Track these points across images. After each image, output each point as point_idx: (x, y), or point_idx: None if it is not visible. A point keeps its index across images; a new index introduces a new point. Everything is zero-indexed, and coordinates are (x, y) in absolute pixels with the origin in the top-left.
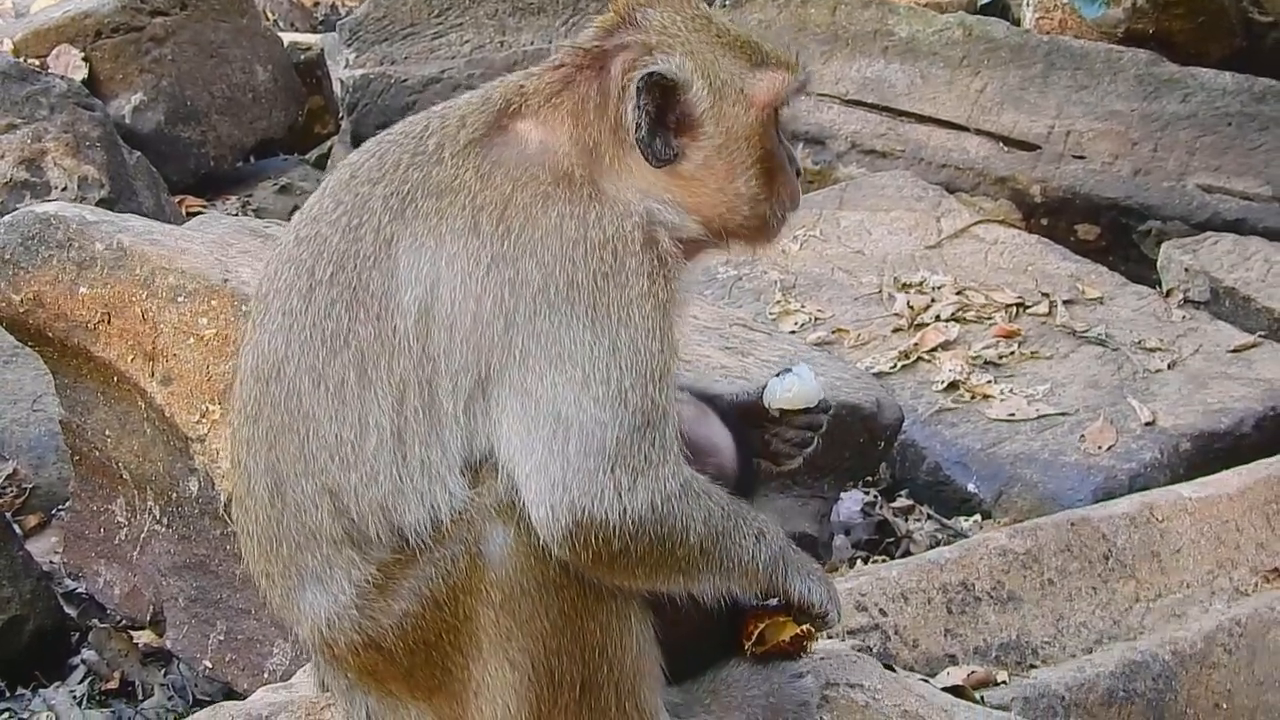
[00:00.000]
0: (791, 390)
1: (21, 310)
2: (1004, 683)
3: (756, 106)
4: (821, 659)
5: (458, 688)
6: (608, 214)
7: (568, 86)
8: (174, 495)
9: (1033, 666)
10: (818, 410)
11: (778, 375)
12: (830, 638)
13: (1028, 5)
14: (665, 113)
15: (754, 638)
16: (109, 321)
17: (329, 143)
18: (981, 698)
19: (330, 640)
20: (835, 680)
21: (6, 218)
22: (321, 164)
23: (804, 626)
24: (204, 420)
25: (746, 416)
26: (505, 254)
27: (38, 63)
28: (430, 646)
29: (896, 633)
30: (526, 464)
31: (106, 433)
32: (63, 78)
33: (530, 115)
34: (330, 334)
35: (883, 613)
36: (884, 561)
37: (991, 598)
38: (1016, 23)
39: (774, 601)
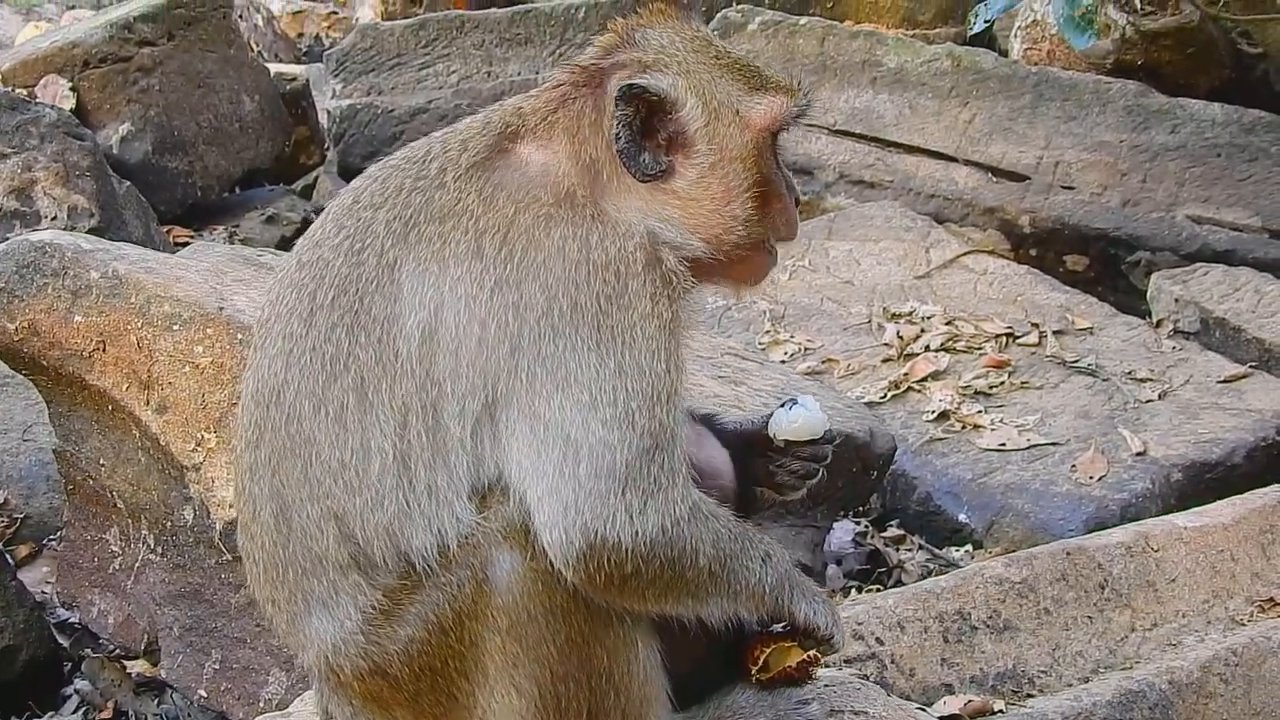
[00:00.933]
0: (798, 421)
1: (16, 339)
2: (1001, 712)
3: (753, 129)
4: (826, 686)
5: (463, 714)
6: (610, 235)
7: (564, 105)
8: (168, 524)
9: (1029, 696)
10: (823, 441)
11: (783, 406)
12: (827, 666)
13: (1015, 36)
14: (654, 128)
15: (759, 664)
16: (104, 350)
17: (315, 173)
18: None
19: (336, 666)
20: (840, 707)
21: (1, 246)
22: (308, 194)
23: (809, 652)
24: (199, 448)
25: (750, 445)
26: (509, 277)
27: (25, 93)
28: (436, 673)
29: (893, 661)
30: (538, 487)
31: (101, 461)
32: (53, 107)
33: (530, 137)
34: (330, 358)
35: (879, 641)
36: (878, 591)
37: (988, 626)
38: (1004, 54)
39: (778, 627)
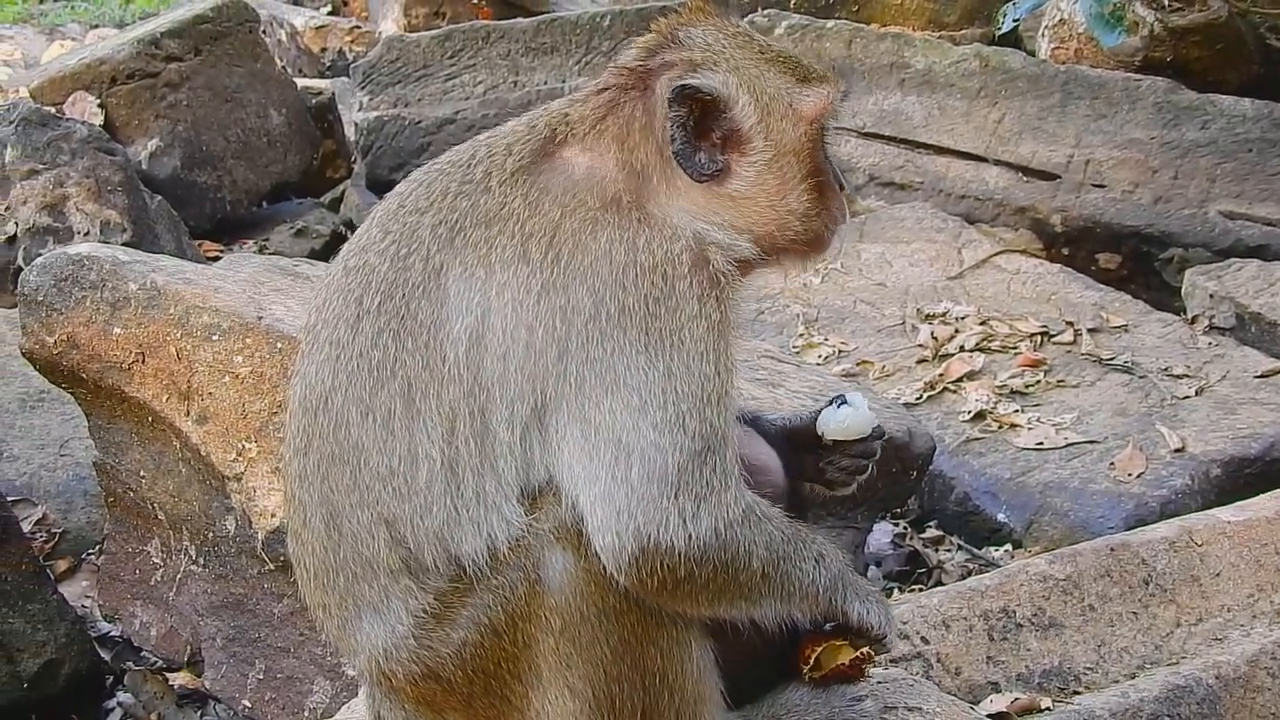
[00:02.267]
0: (846, 421)
1: (55, 352)
2: (1048, 709)
3: (805, 121)
4: (879, 683)
5: (517, 717)
6: (656, 237)
7: (613, 109)
8: (210, 535)
9: (1076, 693)
10: (872, 438)
11: (830, 404)
12: (876, 665)
13: (1043, 36)
14: (708, 128)
15: (811, 662)
16: (143, 361)
17: (342, 186)
18: None
19: (389, 671)
20: (894, 704)
21: (39, 260)
22: (335, 207)
23: (863, 649)
24: (240, 458)
25: (799, 442)
26: (555, 281)
27: (54, 110)
28: (489, 675)
29: (939, 660)
30: (590, 491)
31: (141, 473)
32: (83, 122)
33: (576, 142)
34: (377, 364)
35: (924, 640)
36: (919, 591)
37: (1033, 624)
38: (1032, 54)
39: (830, 625)
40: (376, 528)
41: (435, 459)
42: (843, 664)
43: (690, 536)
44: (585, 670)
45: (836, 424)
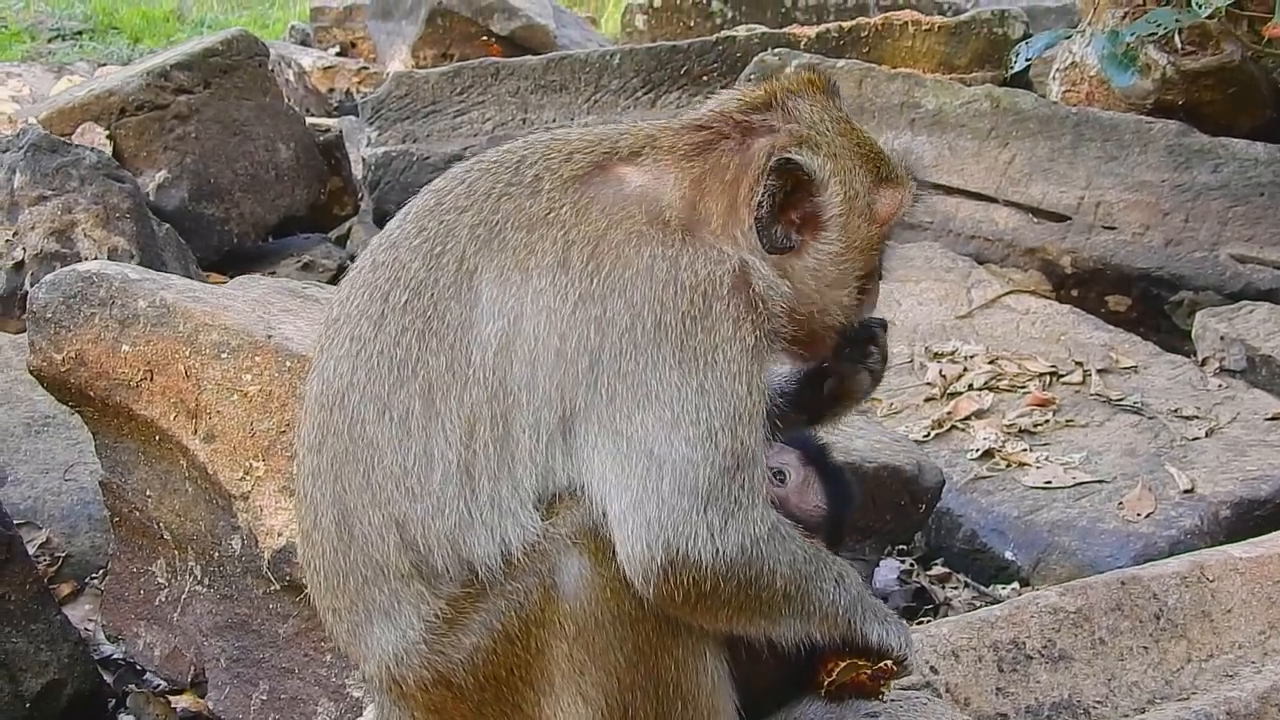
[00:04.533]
0: None
1: (63, 369)
2: None
3: (878, 223)
4: (893, 701)
5: None
6: (700, 258)
7: (707, 150)
8: (215, 555)
9: None
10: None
11: None
12: (894, 684)
13: (1054, 79)
14: (792, 205)
15: (832, 676)
16: (151, 379)
17: (349, 223)
18: None
19: (399, 677)
20: None
21: (48, 277)
22: (342, 243)
23: (883, 662)
24: (247, 477)
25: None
26: (594, 292)
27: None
28: (501, 682)
29: (948, 690)
30: (621, 501)
31: (147, 492)
32: (92, 149)
33: (645, 163)
34: (399, 362)
35: (934, 670)
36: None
37: (1043, 656)
38: (1043, 97)
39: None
40: (388, 530)
41: (451, 461)
42: (863, 678)
43: (718, 551)
44: (598, 678)
45: None
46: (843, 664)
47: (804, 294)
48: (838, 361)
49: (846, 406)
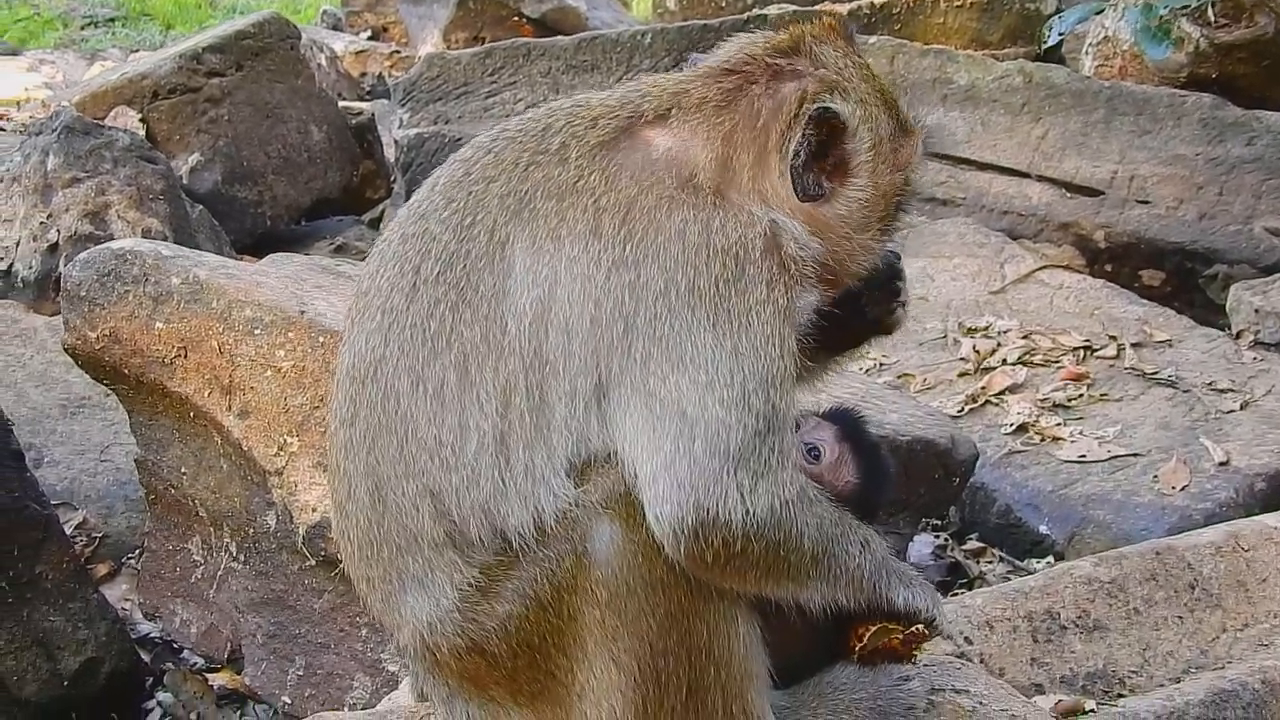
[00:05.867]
0: None
1: (98, 347)
2: (1092, 712)
3: (900, 169)
4: (926, 665)
5: (562, 691)
6: (731, 220)
7: (737, 97)
8: (251, 531)
9: (1120, 695)
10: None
11: None
12: (926, 647)
13: (1087, 54)
14: (824, 152)
15: (864, 640)
16: (185, 356)
17: (381, 206)
18: None
19: (432, 645)
20: (941, 686)
21: (82, 255)
22: (376, 225)
23: (915, 628)
24: (281, 453)
25: (837, 304)
26: (627, 258)
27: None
28: (534, 649)
29: (982, 661)
30: (653, 462)
31: (182, 469)
32: (126, 131)
33: (670, 122)
34: (433, 334)
35: (968, 641)
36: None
37: (1078, 626)
38: (1076, 71)
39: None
40: (422, 500)
41: (486, 431)
42: (895, 642)
43: (747, 512)
44: (631, 644)
45: None
46: (874, 628)
47: (831, 242)
48: (871, 306)
49: (877, 340)
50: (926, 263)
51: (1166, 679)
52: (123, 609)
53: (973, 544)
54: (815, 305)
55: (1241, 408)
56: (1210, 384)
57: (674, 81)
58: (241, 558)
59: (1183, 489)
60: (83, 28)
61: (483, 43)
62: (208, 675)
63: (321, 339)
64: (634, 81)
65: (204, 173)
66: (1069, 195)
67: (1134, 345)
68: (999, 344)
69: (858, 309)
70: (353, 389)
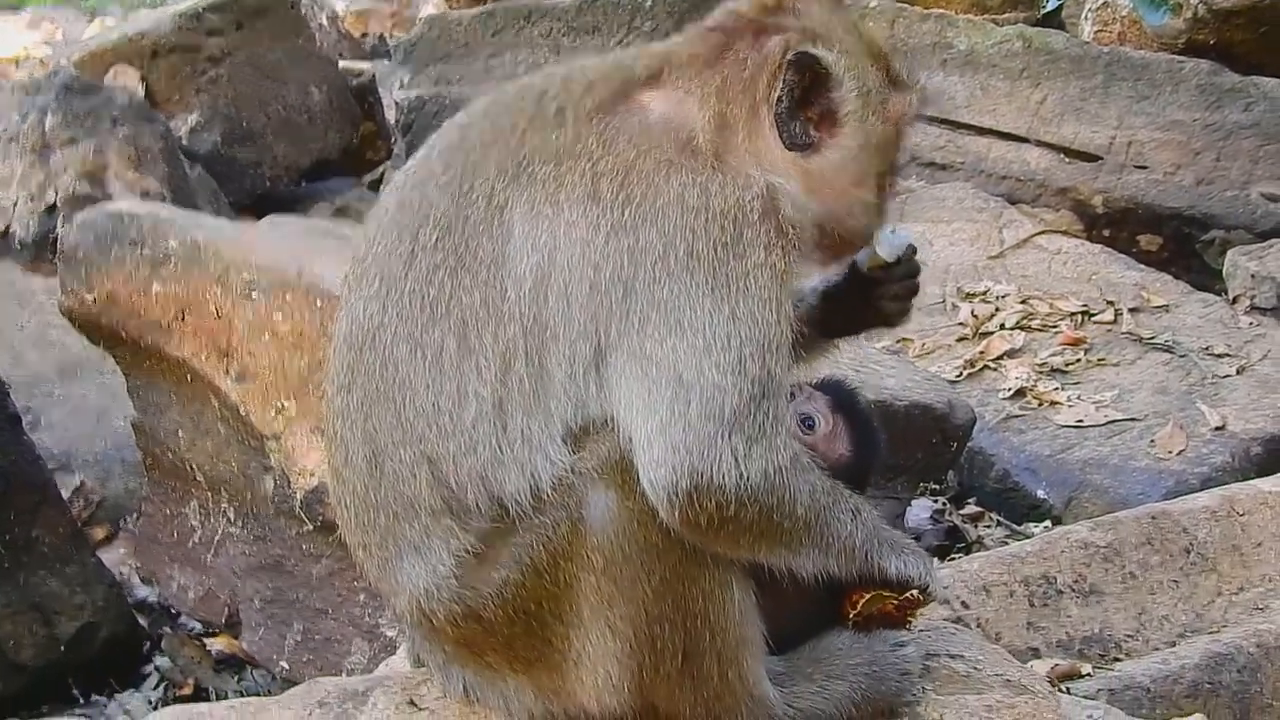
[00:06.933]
0: (885, 243)
1: (95, 310)
2: (1088, 675)
3: (892, 121)
4: (922, 630)
5: (558, 658)
6: (729, 184)
7: (723, 52)
8: (248, 496)
9: (1116, 659)
10: (910, 256)
11: (860, 250)
12: (921, 613)
13: (1086, 19)
14: (810, 101)
15: (858, 607)
16: (183, 319)
17: (381, 168)
18: (1067, 689)
19: (429, 612)
20: (936, 651)
21: (79, 216)
22: (375, 187)
23: (909, 593)
24: (279, 416)
25: (848, 292)
26: (625, 222)
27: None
28: (530, 615)
29: (979, 625)
30: (648, 425)
31: (180, 434)
32: (124, 90)
33: (665, 84)
34: (431, 301)
35: (965, 605)
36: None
37: (1074, 590)
38: (1075, 37)
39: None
40: (419, 466)
41: (485, 397)
42: (889, 609)
43: (741, 475)
44: (627, 610)
45: (881, 249)
46: (869, 595)
47: (827, 199)
48: (886, 301)
49: (879, 331)
50: (925, 227)
51: (1162, 643)
52: (120, 573)
53: (971, 508)
54: (816, 271)
55: (1238, 372)
56: (1207, 349)
57: (664, 44)
58: (239, 522)
59: (1179, 453)
60: None
61: (484, 3)
62: (205, 640)
63: (319, 302)
64: (634, 48)
65: (203, 133)
66: (1067, 160)
67: (1131, 310)
68: (997, 309)
69: (871, 299)
70: (350, 356)
